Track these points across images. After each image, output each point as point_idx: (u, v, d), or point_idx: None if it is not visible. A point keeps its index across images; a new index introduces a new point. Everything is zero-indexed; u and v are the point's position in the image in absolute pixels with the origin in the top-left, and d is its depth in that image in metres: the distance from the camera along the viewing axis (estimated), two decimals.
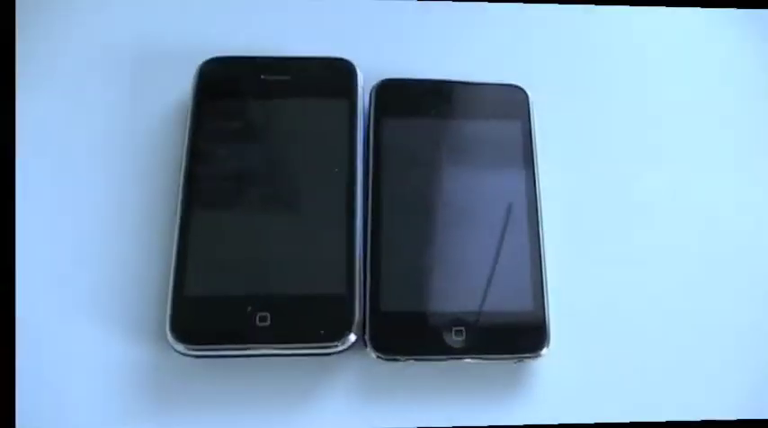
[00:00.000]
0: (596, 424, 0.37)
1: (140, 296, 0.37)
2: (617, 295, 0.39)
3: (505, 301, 0.37)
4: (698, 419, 0.37)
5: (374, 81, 0.42)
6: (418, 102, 0.42)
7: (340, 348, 0.35)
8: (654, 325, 0.39)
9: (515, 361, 0.37)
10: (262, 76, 0.41)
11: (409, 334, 0.37)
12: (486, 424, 0.36)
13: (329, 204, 0.38)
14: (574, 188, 0.42)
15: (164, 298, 0.36)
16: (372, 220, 0.38)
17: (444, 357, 0.36)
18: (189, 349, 0.35)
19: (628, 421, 0.37)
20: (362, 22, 0.46)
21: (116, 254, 0.38)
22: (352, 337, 0.36)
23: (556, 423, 0.37)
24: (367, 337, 0.36)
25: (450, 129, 0.41)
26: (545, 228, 0.39)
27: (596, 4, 0.47)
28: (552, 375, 0.37)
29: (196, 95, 0.40)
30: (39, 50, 0.43)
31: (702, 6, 0.47)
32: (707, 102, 0.45)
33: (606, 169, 0.42)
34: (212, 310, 0.36)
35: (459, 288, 0.37)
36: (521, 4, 0.47)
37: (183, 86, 0.41)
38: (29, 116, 0.41)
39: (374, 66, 0.42)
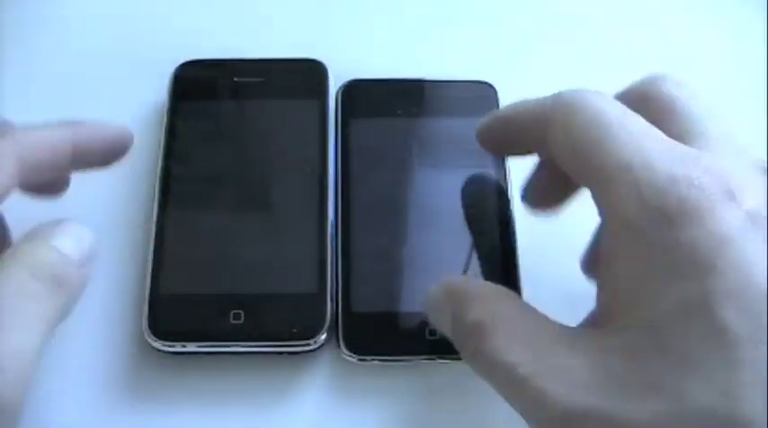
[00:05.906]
0: None
1: (118, 294, 0.38)
2: (593, 296, 0.39)
3: None
4: None
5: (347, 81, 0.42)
6: (386, 102, 0.42)
7: (312, 347, 0.36)
8: None
9: None
10: (235, 79, 0.42)
11: (382, 334, 0.37)
12: (457, 426, 0.36)
13: (302, 204, 0.39)
14: None
15: (141, 296, 0.37)
16: (344, 220, 0.39)
17: (417, 357, 0.36)
18: (165, 346, 0.36)
19: None
20: (334, 22, 0.46)
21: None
22: (325, 336, 0.36)
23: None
24: (339, 336, 0.36)
25: (419, 127, 0.41)
26: (518, 227, 0.39)
27: None
28: None
29: (172, 97, 0.41)
30: (15, 52, 0.44)
31: None
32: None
33: None
34: (187, 308, 0.36)
35: None
36: None
37: (159, 89, 0.42)
38: (6, 116, 0.41)
39: (347, 66, 0.42)
